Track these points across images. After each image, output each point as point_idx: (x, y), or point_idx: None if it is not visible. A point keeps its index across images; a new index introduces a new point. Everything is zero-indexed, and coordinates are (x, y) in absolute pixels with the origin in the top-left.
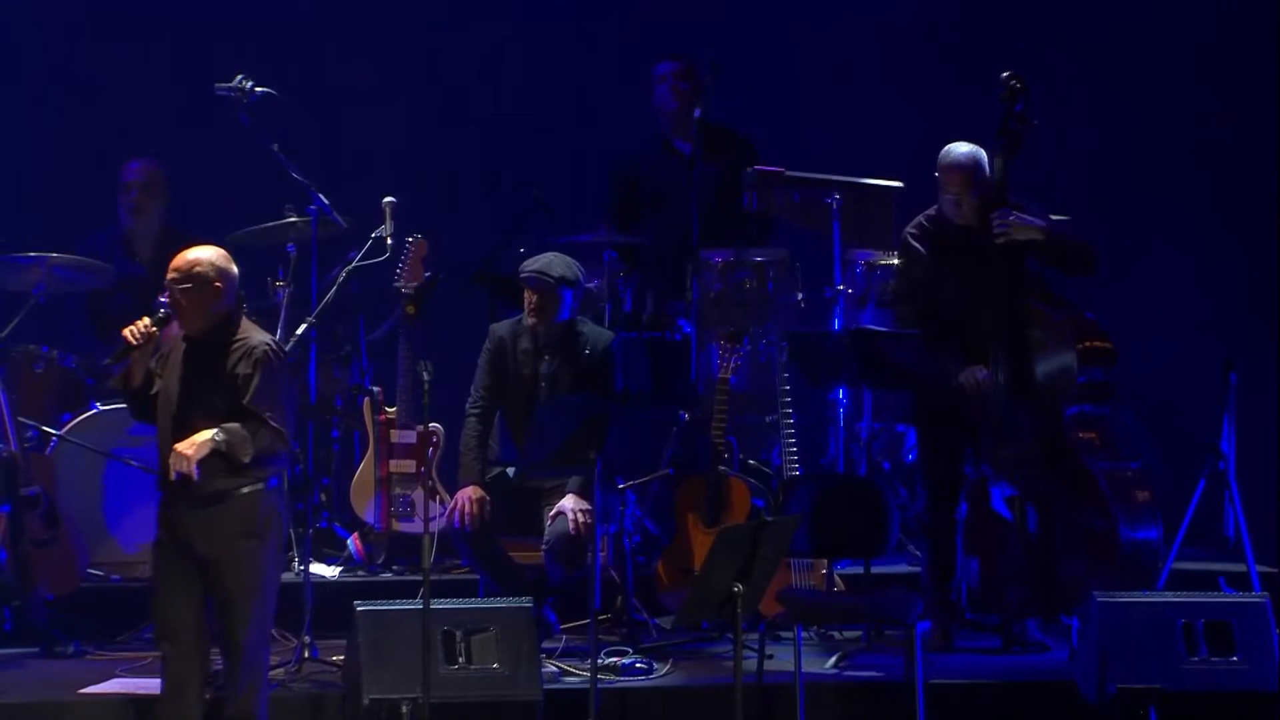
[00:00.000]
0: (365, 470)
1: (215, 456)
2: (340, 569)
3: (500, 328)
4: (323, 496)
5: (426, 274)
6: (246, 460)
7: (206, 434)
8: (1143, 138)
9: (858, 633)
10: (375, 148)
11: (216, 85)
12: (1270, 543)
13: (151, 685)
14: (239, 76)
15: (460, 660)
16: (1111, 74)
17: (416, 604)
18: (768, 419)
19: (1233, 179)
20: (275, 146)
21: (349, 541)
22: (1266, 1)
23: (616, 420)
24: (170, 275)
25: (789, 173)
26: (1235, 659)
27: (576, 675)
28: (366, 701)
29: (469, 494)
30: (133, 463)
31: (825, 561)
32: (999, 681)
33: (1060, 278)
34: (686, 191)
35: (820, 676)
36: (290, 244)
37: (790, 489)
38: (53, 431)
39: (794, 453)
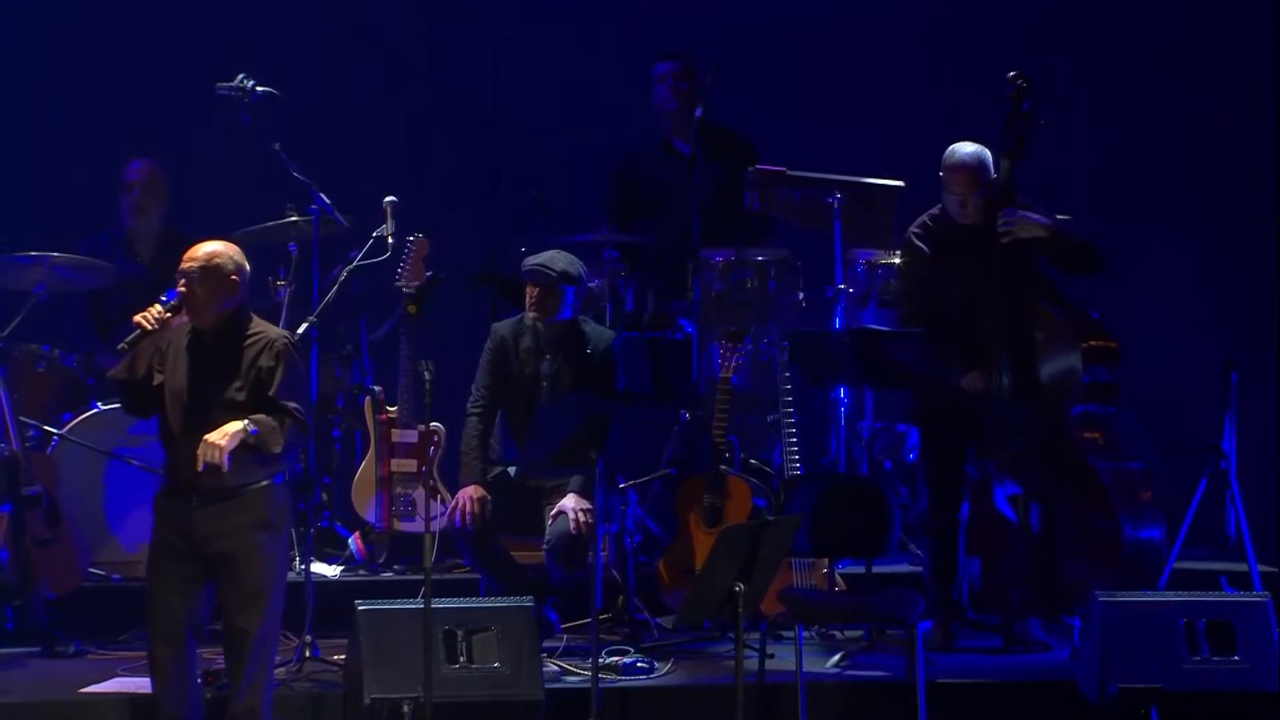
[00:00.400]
0: (366, 470)
1: (243, 448)
2: (341, 568)
3: (502, 327)
4: (324, 496)
5: (428, 273)
6: (277, 451)
7: (237, 425)
8: (1143, 138)
9: (859, 632)
10: (376, 147)
11: (218, 85)
12: (1271, 542)
13: None
14: (240, 76)
15: (462, 660)
16: (1111, 74)
17: (418, 603)
18: (769, 418)
19: (1233, 179)
20: (276, 146)
21: (350, 541)
22: (1266, 1)
23: (618, 420)
24: (186, 265)
25: (790, 172)
26: (1237, 659)
27: (578, 675)
28: (368, 701)
29: (470, 493)
30: (134, 462)
31: (826, 561)
32: (1000, 681)
33: (1063, 277)
34: (687, 191)
35: (821, 676)
36: (292, 243)
37: (791, 488)
38: (54, 431)
39: (795, 452)
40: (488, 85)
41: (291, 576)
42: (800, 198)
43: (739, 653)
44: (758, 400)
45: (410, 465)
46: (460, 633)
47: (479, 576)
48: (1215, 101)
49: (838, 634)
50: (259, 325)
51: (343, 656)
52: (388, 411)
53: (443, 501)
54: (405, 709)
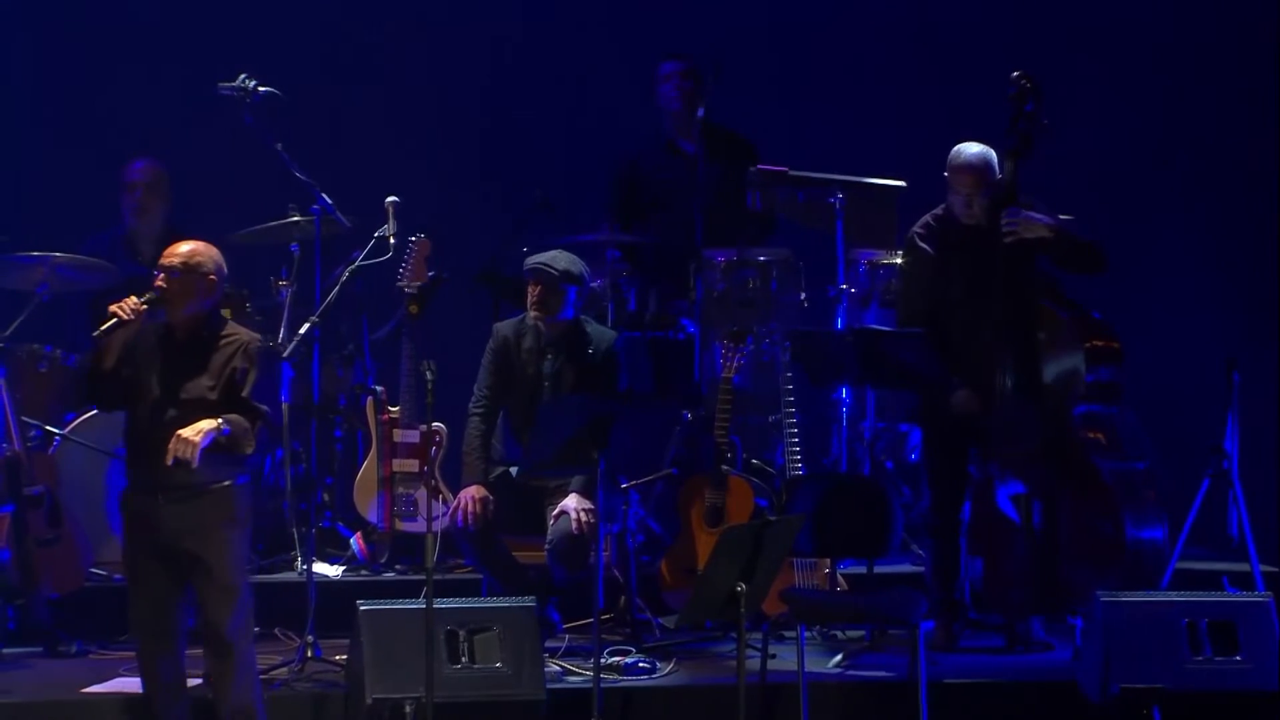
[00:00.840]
0: (368, 470)
1: (214, 446)
2: (343, 568)
3: (504, 327)
4: (326, 496)
5: (430, 273)
6: (249, 452)
7: (211, 422)
8: (1143, 138)
9: (861, 632)
10: (378, 147)
11: (219, 85)
12: (1273, 542)
13: None
14: (242, 76)
15: (463, 660)
16: (1111, 74)
17: (420, 603)
18: (771, 418)
19: (1234, 178)
20: (278, 146)
21: (352, 541)
22: (1266, 1)
23: (620, 420)
24: (166, 260)
25: (792, 172)
26: (1239, 659)
27: (579, 675)
28: (369, 701)
29: (472, 493)
30: None
31: (828, 561)
32: (1002, 681)
33: (1065, 277)
34: (690, 191)
35: (823, 676)
36: (294, 243)
37: (793, 488)
38: (56, 431)
39: (797, 452)
40: (489, 85)
41: (293, 577)
42: (802, 198)
43: (741, 653)
44: (760, 400)
45: (412, 465)
46: (462, 633)
47: (481, 576)
48: (1215, 101)
49: (839, 634)
50: (232, 327)
51: (344, 656)
52: (390, 412)
53: (444, 501)
54: (407, 709)
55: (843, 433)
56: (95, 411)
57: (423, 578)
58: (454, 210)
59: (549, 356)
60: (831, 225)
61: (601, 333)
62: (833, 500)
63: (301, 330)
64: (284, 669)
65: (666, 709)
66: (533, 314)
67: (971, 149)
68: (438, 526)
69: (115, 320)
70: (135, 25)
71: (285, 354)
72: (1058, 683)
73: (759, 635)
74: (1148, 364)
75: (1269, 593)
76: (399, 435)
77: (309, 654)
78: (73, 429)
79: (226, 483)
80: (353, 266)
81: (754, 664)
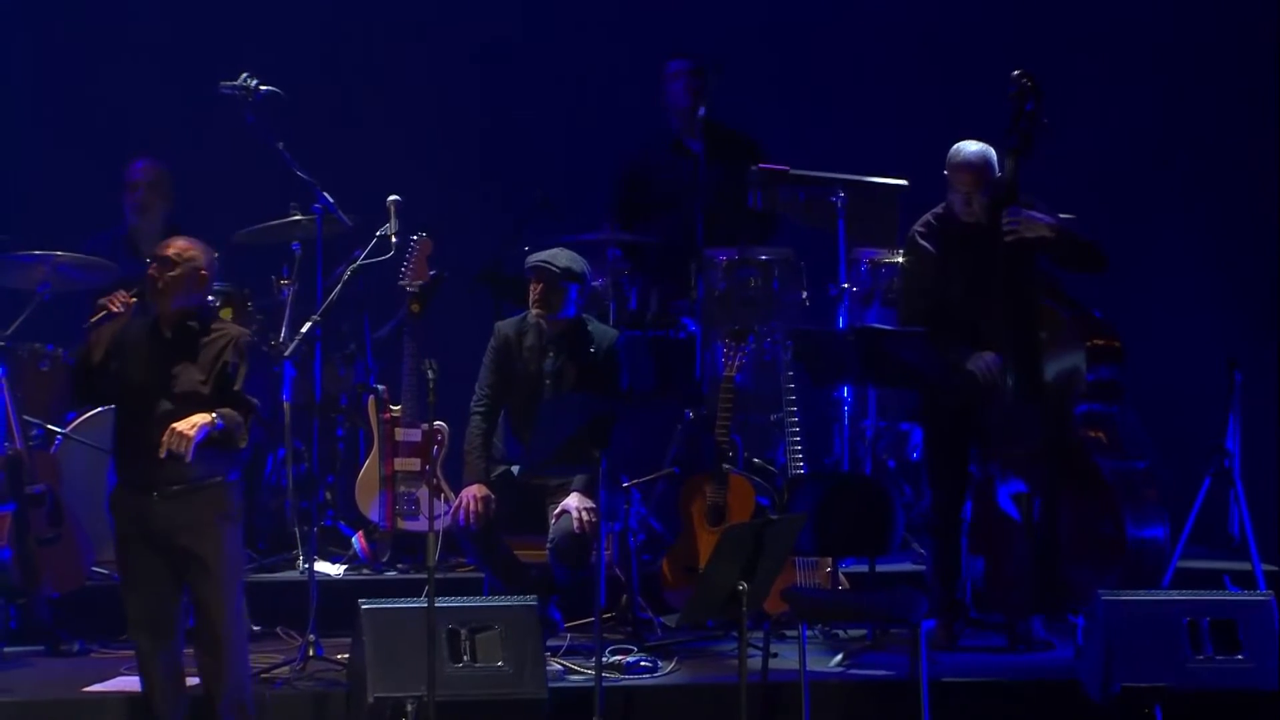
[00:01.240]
0: (370, 469)
1: (207, 441)
2: (345, 567)
3: (505, 325)
4: (327, 495)
5: (431, 272)
6: (241, 445)
7: (205, 416)
8: (1143, 138)
9: (862, 631)
10: (380, 146)
11: (221, 84)
12: (1275, 541)
13: None
14: (244, 75)
15: (465, 658)
16: (1111, 74)
17: (421, 602)
18: (772, 417)
19: (1234, 178)
20: (280, 145)
21: (354, 540)
22: (1266, 1)
23: (621, 418)
24: (160, 254)
25: (794, 171)
26: (1240, 658)
27: (581, 673)
28: (371, 700)
29: (474, 492)
30: None
31: (830, 560)
32: (1004, 680)
33: (1066, 276)
34: (693, 190)
35: (825, 675)
36: (295, 242)
37: (795, 487)
38: (57, 429)
39: (799, 451)
40: (489, 85)
41: (295, 575)
42: (804, 197)
43: (742, 652)
44: (761, 399)
45: (414, 464)
46: (464, 632)
47: (482, 575)
48: (1215, 101)
49: (841, 633)
50: (220, 323)
51: (346, 655)
52: (391, 410)
53: (446, 500)
54: (409, 708)
55: (844, 432)
56: (97, 410)
57: (424, 577)
58: (455, 209)
59: (550, 355)
60: (833, 224)
61: (603, 331)
62: (834, 499)
63: (303, 329)
64: (286, 668)
65: (668, 708)
66: (534, 312)
67: (970, 147)
68: (439, 525)
69: (105, 313)
70: (136, 25)
71: (287, 353)
72: (1059, 682)
73: (760, 634)
74: (1148, 363)
75: (1270, 592)
76: (401, 434)
77: (310, 653)
78: (74, 428)
79: (219, 479)
80: (354, 265)
81: (755, 663)
